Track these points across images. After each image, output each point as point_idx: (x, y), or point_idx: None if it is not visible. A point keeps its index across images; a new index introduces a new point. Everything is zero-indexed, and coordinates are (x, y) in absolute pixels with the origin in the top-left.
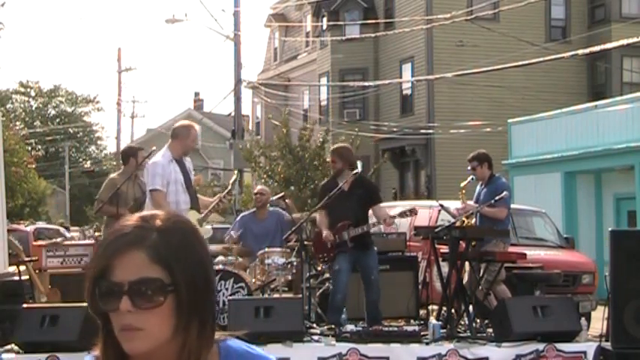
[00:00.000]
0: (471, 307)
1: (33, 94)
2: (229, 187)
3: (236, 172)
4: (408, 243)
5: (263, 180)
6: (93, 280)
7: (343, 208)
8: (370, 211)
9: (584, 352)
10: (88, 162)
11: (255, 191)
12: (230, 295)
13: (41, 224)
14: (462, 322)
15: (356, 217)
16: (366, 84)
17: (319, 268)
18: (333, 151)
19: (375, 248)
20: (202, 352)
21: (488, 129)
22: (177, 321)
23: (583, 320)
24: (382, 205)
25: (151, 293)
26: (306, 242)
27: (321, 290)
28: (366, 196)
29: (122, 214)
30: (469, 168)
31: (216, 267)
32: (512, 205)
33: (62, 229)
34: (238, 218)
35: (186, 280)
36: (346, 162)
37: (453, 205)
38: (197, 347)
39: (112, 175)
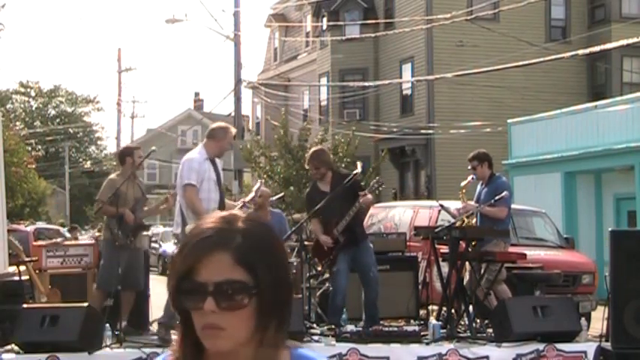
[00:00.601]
0: (471, 307)
1: (33, 94)
2: (253, 194)
3: (259, 181)
4: (408, 243)
5: (263, 180)
6: (177, 279)
7: (331, 209)
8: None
9: (584, 352)
10: (88, 162)
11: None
12: None
13: (41, 224)
14: (462, 322)
15: (343, 215)
16: (366, 84)
17: (319, 268)
18: (313, 157)
19: (371, 245)
20: (278, 352)
21: (488, 129)
22: (257, 322)
23: (583, 320)
24: (383, 204)
25: (234, 295)
26: (306, 242)
27: (321, 290)
28: (347, 190)
29: (122, 213)
30: (469, 167)
31: None
32: (512, 205)
33: (62, 229)
34: None
35: (268, 283)
36: (327, 165)
37: (453, 205)
38: (274, 347)
39: (112, 176)
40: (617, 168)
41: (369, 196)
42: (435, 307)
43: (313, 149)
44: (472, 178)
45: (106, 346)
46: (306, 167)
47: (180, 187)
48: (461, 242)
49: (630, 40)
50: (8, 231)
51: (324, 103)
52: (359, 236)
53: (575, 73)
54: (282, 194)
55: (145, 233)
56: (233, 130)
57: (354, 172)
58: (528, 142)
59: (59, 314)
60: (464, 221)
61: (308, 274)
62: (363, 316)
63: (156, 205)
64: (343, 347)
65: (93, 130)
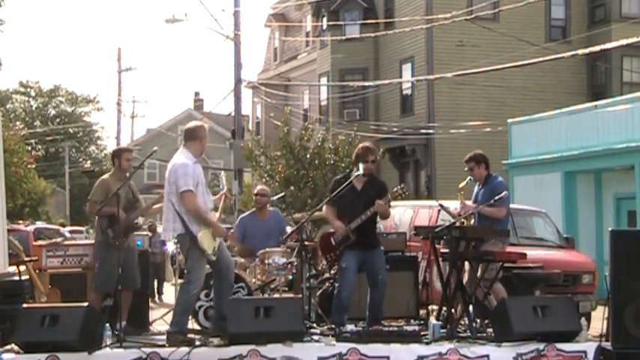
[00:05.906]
0: (471, 307)
1: (33, 94)
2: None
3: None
4: (408, 243)
5: (264, 180)
6: None
7: (352, 207)
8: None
9: (585, 352)
10: (88, 162)
11: (256, 192)
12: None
13: (41, 224)
14: (462, 322)
15: (359, 214)
16: (366, 84)
17: (319, 268)
18: (374, 153)
19: (382, 248)
20: None
21: (488, 129)
22: None
23: (583, 320)
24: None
25: None
26: (306, 242)
27: (321, 290)
28: (375, 197)
29: (113, 213)
30: (466, 169)
31: None
32: (512, 205)
33: (62, 229)
34: (238, 220)
35: None
36: (375, 163)
37: (453, 205)
38: None
39: (104, 177)
40: (617, 168)
41: (382, 202)
42: (435, 307)
43: (369, 145)
44: (469, 180)
45: (106, 346)
46: (358, 158)
47: (174, 194)
48: (461, 242)
49: (630, 40)
50: (8, 231)
51: (324, 103)
52: (373, 241)
53: (575, 73)
54: (282, 194)
55: (136, 233)
56: (207, 127)
57: (356, 173)
58: (528, 142)
59: (59, 314)
60: (463, 222)
61: (308, 274)
62: (365, 316)
63: (151, 202)
64: (343, 347)
65: (93, 130)
